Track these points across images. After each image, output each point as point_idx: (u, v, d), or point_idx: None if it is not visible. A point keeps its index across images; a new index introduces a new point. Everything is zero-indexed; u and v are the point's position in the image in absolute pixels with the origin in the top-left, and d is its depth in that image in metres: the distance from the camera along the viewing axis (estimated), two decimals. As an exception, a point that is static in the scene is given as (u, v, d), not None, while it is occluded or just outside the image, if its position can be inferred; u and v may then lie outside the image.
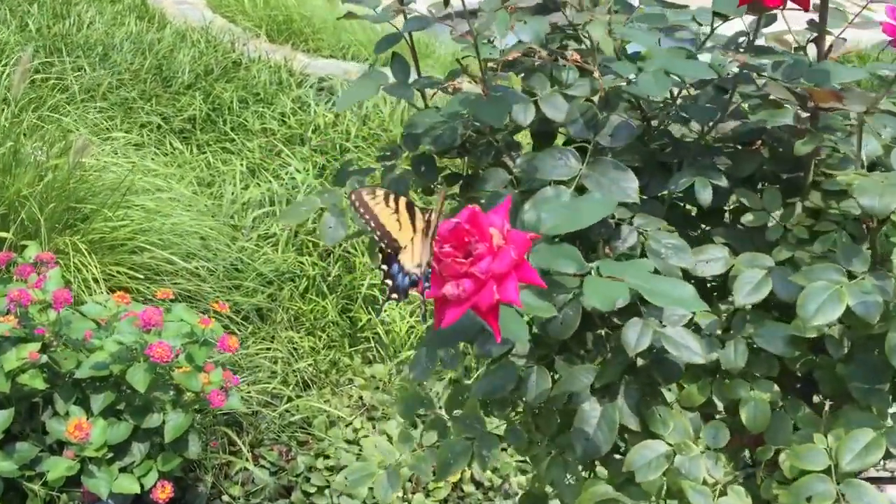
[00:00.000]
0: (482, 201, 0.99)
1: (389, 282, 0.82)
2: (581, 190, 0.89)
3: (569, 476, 0.95)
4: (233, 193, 3.04)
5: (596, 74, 0.88)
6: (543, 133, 1.04)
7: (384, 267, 0.82)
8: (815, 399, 1.07)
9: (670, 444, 0.90)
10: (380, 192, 0.83)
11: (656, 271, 0.81)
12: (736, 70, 0.85)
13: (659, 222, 0.91)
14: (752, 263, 0.92)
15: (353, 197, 0.83)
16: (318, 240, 2.94)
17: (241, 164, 3.19)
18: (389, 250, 0.82)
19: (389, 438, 2.50)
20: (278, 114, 3.59)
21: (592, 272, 0.76)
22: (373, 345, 2.76)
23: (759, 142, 1.04)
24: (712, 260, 0.95)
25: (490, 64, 1.05)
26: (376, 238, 0.82)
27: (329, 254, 2.94)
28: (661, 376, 0.91)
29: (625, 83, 0.97)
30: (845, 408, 0.87)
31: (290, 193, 3.10)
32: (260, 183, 3.13)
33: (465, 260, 0.67)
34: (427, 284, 0.80)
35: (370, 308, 2.81)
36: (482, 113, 0.83)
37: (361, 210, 0.82)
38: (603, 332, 0.96)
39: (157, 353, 1.75)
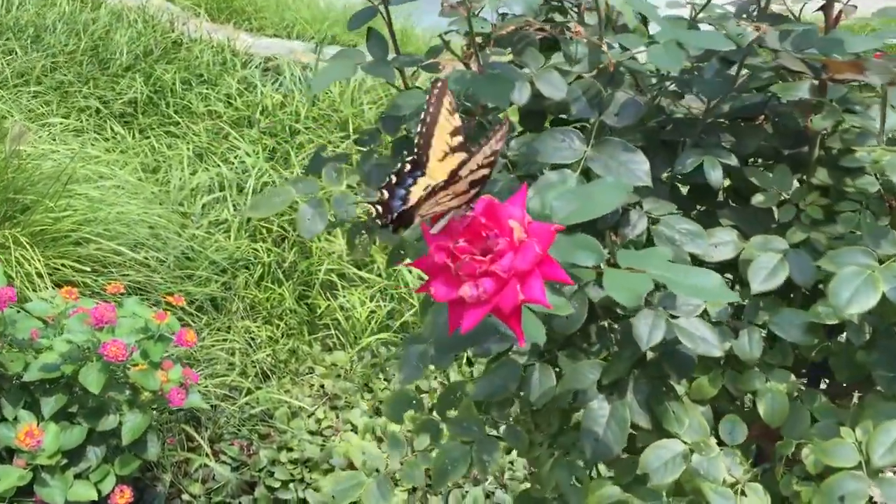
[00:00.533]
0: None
1: (386, 193, 0.66)
2: (585, 173, 0.83)
3: (574, 478, 0.89)
4: (180, 179, 2.92)
5: (604, 48, 0.81)
6: (533, 112, 0.97)
7: (393, 178, 0.67)
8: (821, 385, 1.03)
9: (686, 443, 0.84)
10: (457, 118, 0.69)
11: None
12: (753, 37, 0.78)
13: (670, 206, 0.85)
14: (766, 247, 0.87)
15: (440, 84, 0.67)
16: (272, 225, 2.84)
17: (188, 149, 3.07)
18: (412, 160, 0.68)
19: (354, 428, 2.43)
20: (224, 95, 3.46)
21: (602, 265, 0.70)
22: (332, 331, 2.68)
23: (763, 117, 0.98)
24: (721, 244, 0.89)
25: (476, 39, 0.97)
26: (416, 131, 0.67)
27: (284, 239, 2.85)
28: (674, 370, 0.86)
29: (619, 56, 0.90)
30: (869, 397, 0.83)
31: (241, 178, 2.99)
32: (208, 167, 3.00)
33: (483, 257, 0.60)
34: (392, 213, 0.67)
35: (328, 294, 2.72)
36: (483, 92, 0.76)
37: (434, 101, 0.67)
38: (607, 324, 0.90)
39: (112, 352, 1.65)
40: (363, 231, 1.01)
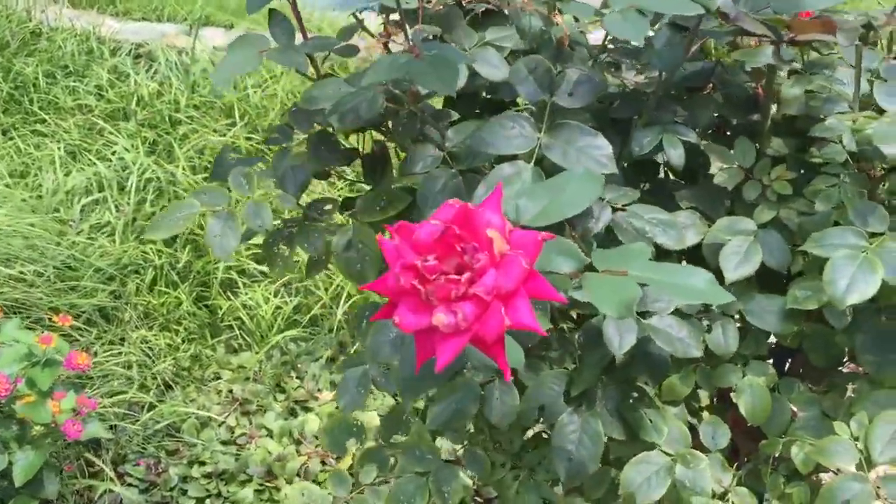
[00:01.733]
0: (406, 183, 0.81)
1: None
2: (539, 162, 0.73)
3: (543, 500, 0.80)
4: (53, 182, 2.69)
5: (558, 20, 0.71)
6: (465, 94, 0.87)
7: None
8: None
9: (668, 454, 0.76)
10: None
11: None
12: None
13: (633, 193, 0.76)
14: (734, 229, 0.79)
15: None
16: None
17: (59, 148, 2.83)
18: None
19: (269, 433, 2.29)
20: (94, 87, 3.21)
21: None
22: (237, 332, 2.52)
23: (711, 85, 0.91)
24: (682, 228, 0.81)
25: (393, 17, 0.86)
26: None
27: (175, 238, 2.66)
28: (648, 374, 0.77)
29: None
30: (859, 384, 0.76)
31: (121, 175, 2.78)
32: (83, 167, 2.78)
33: (460, 277, 0.49)
34: None
35: (229, 293, 2.56)
36: (425, 79, 0.64)
37: None
38: (566, 327, 0.81)
39: (-7, 387, 1.47)
40: (282, 242, 0.89)
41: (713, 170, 0.90)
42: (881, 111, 0.77)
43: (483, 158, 0.74)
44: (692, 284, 0.60)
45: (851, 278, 0.66)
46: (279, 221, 0.93)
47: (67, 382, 1.85)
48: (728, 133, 0.95)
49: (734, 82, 0.90)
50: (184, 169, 2.82)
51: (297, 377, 2.46)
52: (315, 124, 0.90)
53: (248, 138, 3.01)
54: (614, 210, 0.76)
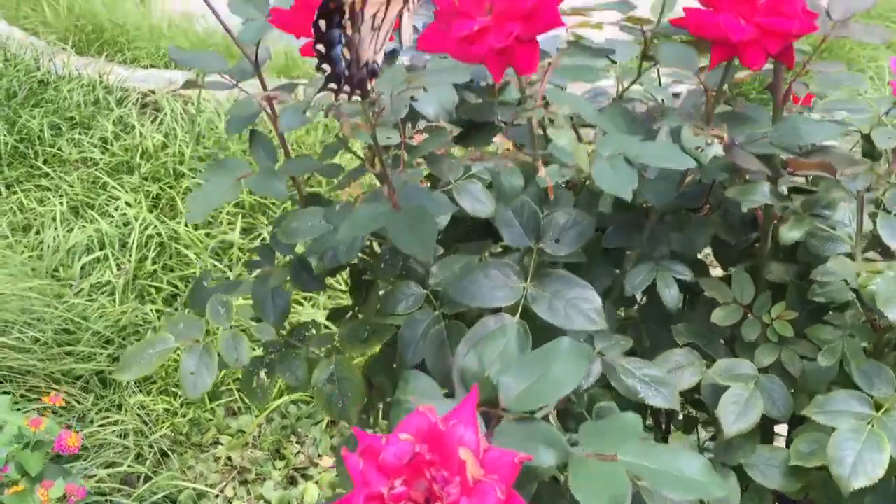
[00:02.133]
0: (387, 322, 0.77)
1: (327, 67, 0.61)
2: (525, 312, 0.69)
3: None
4: (54, 239, 2.66)
5: (541, 173, 0.67)
6: (453, 219, 0.83)
7: (319, 48, 0.60)
8: None
9: None
10: None
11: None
12: (717, 151, 0.66)
13: (625, 342, 0.72)
14: (733, 373, 0.75)
15: None
16: (161, 283, 2.62)
17: (61, 203, 2.81)
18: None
19: (268, 503, 2.24)
20: (98, 139, 3.20)
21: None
22: (236, 395, 2.48)
23: (707, 205, 0.87)
24: (676, 369, 0.77)
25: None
26: None
27: (175, 297, 2.64)
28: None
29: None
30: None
31: (123, 232, 2.75)
32: (85, 224, 2.76)
33: (429, 509, 0.46)
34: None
35: (229, 354, 2.52)
36: (403, 239, 0.59)
37: None
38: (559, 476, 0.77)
39: (-21, 476, 1.44)
40: (262, 370, 0.85)
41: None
42: (887, 250, 0.73)
43: (465, 306, 0.71)
44: (687, 474, 0.56)
45: (857, 457, 0.62)
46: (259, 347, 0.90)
47: (65, 459, 1.82)
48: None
49: (733, 201, 0.86)
50: (186, 225, 2.79)
51: (297, 442, 2.42)
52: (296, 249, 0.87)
53: (252, 192, 2.99)
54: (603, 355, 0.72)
